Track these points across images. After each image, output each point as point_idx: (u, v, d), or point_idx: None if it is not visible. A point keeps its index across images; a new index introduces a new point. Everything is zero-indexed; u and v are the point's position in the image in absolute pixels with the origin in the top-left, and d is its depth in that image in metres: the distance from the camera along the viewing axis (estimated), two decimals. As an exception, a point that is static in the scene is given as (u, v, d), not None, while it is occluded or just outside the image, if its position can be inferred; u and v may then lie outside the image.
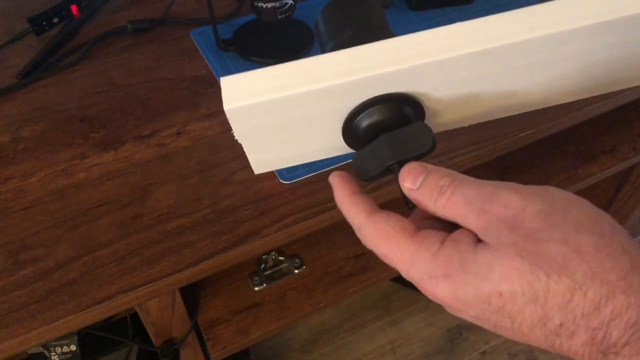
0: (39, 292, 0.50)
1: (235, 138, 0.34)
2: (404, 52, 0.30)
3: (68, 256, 0.53)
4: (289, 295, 0.76)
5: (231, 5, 0.85)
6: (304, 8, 0.81)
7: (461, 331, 1.33)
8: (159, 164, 0.61)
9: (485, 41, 0.29)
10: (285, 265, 0.79)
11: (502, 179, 0.29)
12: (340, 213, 0.32)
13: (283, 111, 0.31)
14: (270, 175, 0.60)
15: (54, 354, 0.73)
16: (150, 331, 0.66)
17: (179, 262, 0.53)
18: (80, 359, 0.75)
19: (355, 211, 0.31)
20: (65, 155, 0.62)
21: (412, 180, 0.30)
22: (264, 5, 0.68)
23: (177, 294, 0.63)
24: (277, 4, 0.68)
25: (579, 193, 0.29)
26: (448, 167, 0.30)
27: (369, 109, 0.32)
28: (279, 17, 0.70)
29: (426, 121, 0.35)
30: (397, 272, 0.29)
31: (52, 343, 0.73)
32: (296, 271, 0.78)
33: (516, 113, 0.37)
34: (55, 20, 0.80)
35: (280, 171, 0.60)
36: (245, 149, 0.35)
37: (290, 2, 0.69)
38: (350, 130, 0.34)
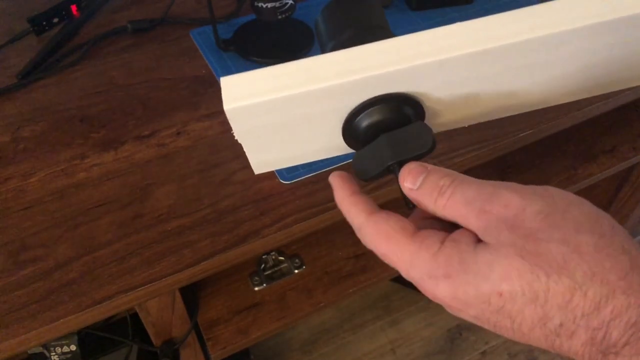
0: (39, 292, 0.50)
1: (235, 138, 0.34)
2: (404, 52, 0.30)
3: (68, 256, 0.53)
4: (289, 295, 0.76)
5: (231, 5, 0.85)
6: (304, 8, 0.81)
7: (461, 331, 1.33)
8: (159, 164, 0.61)
9: (485, 41, 0.29)
10: (285, 265, 0.79)
11: (502, 179, 0.29)
12: (340, 213, 0.32)
13: (283, 111, 0.31)
14: (270, 175, 0.60)
15: (54, 354, 0.73)
16: (150, 331, 0.66)
17: (179, 262, 0.53)
18: (80, 359, 0.75)
19: (355, 211, 0.30)
20: (65, 155, 0.62)
21: (412, 180, 0.30)
22: (264, 5, 0.68)
23: (177, 294, 0.63)
24: (277, 4, 0.68)
25: (579, 193, 0.29)
26: (448, 167, 0.30)
27: (369, 109, 0.32)
28: (279, 17, 0.70)
29: (426, 121, 0.35)
30: (397, 272, 0.29)
31: (52, 343, 0.73)
32: (296, 271, 0.78)
33: (516, 113, 0.37)
34: (55, 20, 0.80)
35: (280, 171, 0.60)
36: (245, 149, 0.35)
37: (290, 2, 0.69)
38: (350, 130, 0.34)
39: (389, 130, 0.32)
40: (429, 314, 1.36)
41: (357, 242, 0.31)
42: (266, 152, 0.37)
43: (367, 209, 0.30)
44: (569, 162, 0.94)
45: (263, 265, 0.78)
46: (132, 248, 0.54)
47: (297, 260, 0.79)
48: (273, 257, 0.78)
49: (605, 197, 1.17)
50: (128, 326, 0.75)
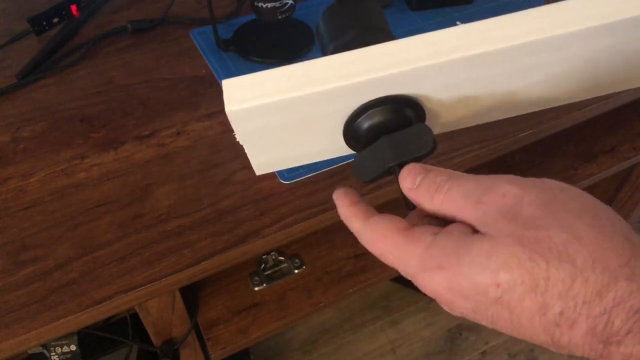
0: (39, 292, 0.50)
1: (237, 140, 0.34)
2: (405, 54, 0.30)
3: (68, 256, 0.53)
4: (289, 295, 0.76)
5: (231, 5, 0.85)
6: (304, 8, 0.81)
7: (461, 331, 1.33)
8: (159, 164, 0.61)
9: (486, 43, 0.29)
10: (285, 265, 0.79)
11: (502, 179, 0.29)
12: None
13: (285, 113, 0.31)
14: (270, 175, 0.60)
15: (54, 354, 0.73)
16: (150, 331, 0.66)
17: (179, 262, 0.53)
18: (80, 359, 0.75)
19: (354, 219, 0.31)
20: (65, 155, 0.62)
21: (411, 180, 0.30)
22: (264, 5, 0.68)
23: (177, 294, 0.63)
24: (277, 4, 0.68)
25: (579, 194, 0.29)
26: (448, 167, 0.30)
27: (370, 111, 0.32)
28: (279, 17, 0.70)
29: (427, 122, 0.35)
30: (397, 272, 0.29)
31: (52, 343, 0.73)
32: (296, 271, 0.78)
33: (517, 114, 0.37)
34: (55, 20, 0.80)
35: (280, 171, 0.60)
36: (246, 151, 0.36)
37: (290, 2, 0.69)
38: (351, 131, 0.34)
39: (389, 131, 0.32)
40: (429, 314, 1.36)
41: (357, 242, 0.31)
42: (267, 154, 0.37)
43: (364, 215, 0.31)
44: (569, 162, 0.95)
45: (263, 265, 0.78)
46: (132, 248, 0.54)
47: (297, 260, 0.79)
48: (273, 257, 0.78)
49: (605, 197, 1.17)
50: (128, 326, 0.75)
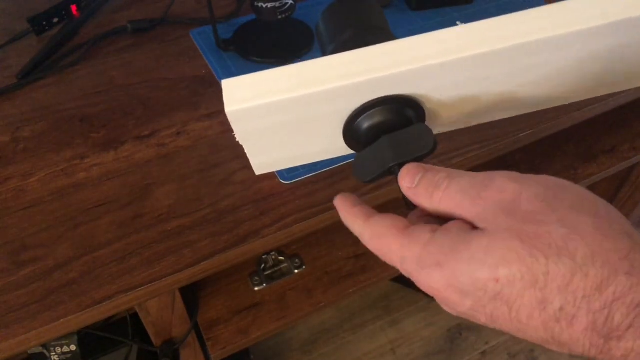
0: (39, 292, 0.50)
1: (237, 140, 0.34)
2: (405, 54, 0.30)
3: (68, 256, 0.53)
4: (289, 295, 0.76)
5: (231, 5, 0.85)
6: (304, 8, 0.81)
7: (461, 331, 1.33)
8: (159, 164, 0.61)
9: (486, 43, 0.29)
10: (285, 265, 0.79)
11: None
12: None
13: (285, 113, 0.31)
14: (270, 175, 0.60)
15: (54, 354, 0.73)
16: (150, 331, 0.66)
17: (179, 262, 0.53)
18: (80, 359, 0.75)
19: (355, 220, 0.31)
20: (65, 155, 0.62)
21: (410, 180, 0.30)
22: (264, 5, 0.68)
23: (177, 294, 0.63)
24: (277, 4, 0.68)
25: (579, 193, 0.29)
26: (448, 167, 0.30)
27: (370, 111, 0.32)
28: (279, 17, 0.70)
29: (427, 122, 0.35)
30: (397, 272, 0.29)
31: (52, 343, 0.73)
32: (296, 271, 0.78)
33: (517, 114, 0.37)
34: (55, 20, 0.80)
35: (280, 171, 0.60)
36: (246, 150, 0.36)
37: (290, 2, 0.69)
38: (351, 131, 0.34)
39: (390, 131, 0.32)
40: (429, 314, 1.36)
41: (357, 242, 0.31)
42: (267, 154, 0.37)
43: (364, 216, 0.31)
44: (569, 162, 0.95)
45: (263, 265, 0.78)
46: (132, 248, 0.54)
47: (297, 260, 0.79)
48: (273, 257, 0.78)
49: (606, 197, 1.16)
50: (128, 326, 0.75)
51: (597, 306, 0.23)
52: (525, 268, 0.24)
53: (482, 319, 0.26)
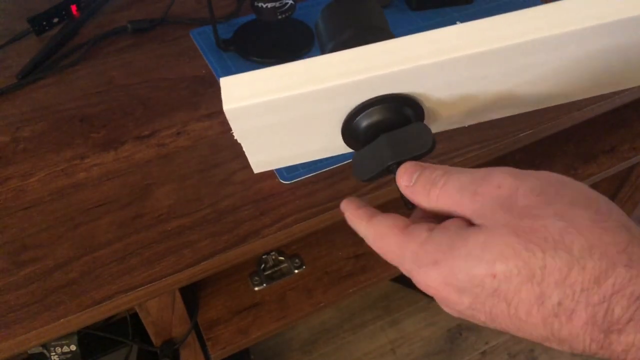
0: (39, 292, 0.50)
1: (235, 138, 0.34)
2: (404, 53, 0.30)
3: (68, 256, 0.53)
4: (289, 295, 0.76)
5: (231, 5, 0.85)
6: (304, 8, 0.81)
7: (461, 331, 1.33)
8: (159, 164, 0.61)
9: (485, 42, 0.29)
10: (285, 265, 0.79)
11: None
12: (340, 213, 0.33)
13: (283, 112, 0.31)
14: (270, 175, 0.60)
15: (54, 354, 0.74)
16: (150, 331, 0.66)
17: (179, 262, 0.53)
18: (80, 359, 0.75)
19: (360, 222, 0.31)
20: (65, 155, 0.62)
21: (407, 178, 0.30)
22: (264, 5, 0.68)
23: (177, 294, 0.63)
24: (277, 4, 0.68)
25: (578, 193, 0.29)
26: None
27: (369, 109, 0.32)
28: (279, 17, 0.70)
29: (425, 121, 0.35)
30: (397, 272, 0.29)
31: (52, 343, 0.73)
32: (296, 271, 0.78)
33: (516, 113, 0.37)
34: (55, 20, 0.80)
35: (280, 171, 0.60)
36: (244, 149, 0.36)
37: (290, 2, 0.69)
38: (350, 130, 0.34)
39: (388, 130, 0.32)
40: (429, 314, 1.36)
41: (357, 242, 0.31)
42: (266, 152, 0.37)
43: (367, 216, 0.31)
44: (569, 162, 0.95)
45: (263, 265, 0.78)
46: (132, 248, 0.54)
47: (297, 260, 0.79)
48: (273, 257, 0.78)
49: (605, 197, 1.16)
50: (128, 326, 0.75)
51: (595, 299, 0.23)
52: (522, 262, 0.24)
53: (481, 317, 0.26)
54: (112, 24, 0.81)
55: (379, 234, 0.30)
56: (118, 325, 0.77)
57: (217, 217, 0.56)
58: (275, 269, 0.78)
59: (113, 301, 0.50)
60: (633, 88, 0.67)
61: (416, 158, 0.31)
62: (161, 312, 0.64)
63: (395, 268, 0.29)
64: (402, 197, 0.31)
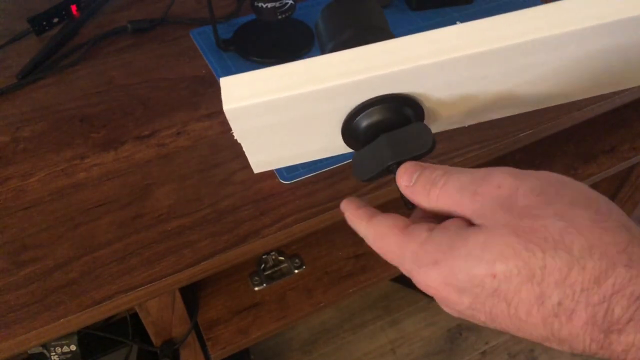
0: (39, 292, 0.50)
1: (235, 138, 0.34)
2: (404, 53, 0.30)
3: (68, 256, 0.53)
4: (289, 295, 0.76)
5: (231, 5, 0.85)
6: (304, 8, 0.81)
7: (461, 331, 1.33)
8: (159, 164, 0.61)
9: (485, 42, 0.29)
10: (285, 265, 0.79)
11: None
12: (340, 213, 0.33)
13: (283, 112, 0.31)
14: (270, 175, 0.60)
15: (54, 354, 0.74)
16: (150, 331, 0.66)
17: (179, 262, 0.53)
18: (80, 359, 0.75)
19: (360, 222, 0.31)
20: (65, 155, 0.62)
21: (407, 178, 0.30)
22: (264, 5, 0.68)
23: (177, 294, 0.63)
24: (277, 4, 0.68)
25: (578, 193, 0.29)
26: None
27: (369, 109, 0.32)
28: (279, 17, 0.70)
29: (426, 121, 0.35)
30: (397, 272, 0.29)
31: (52, 343, 0.73)
32: (296, 271, 0.78)
33: (516, 113, 0.37)
34: (55, 20, 0.80)
35: (280, 171, 0.60)
36: (244, 149, 0.36)
37: (290, 2, 0.69)
38: (349, 130, 0.34)
39: (388, 130, 0.32)
40: (429, 314, 1.36)
41: (357, 242, 0.31)
42: (265, 152, 0.37)
43: (367, 216, 0.31)
44: (569, 162, 0.95)
45: (263, 265, 0.78)
46: (132, 248, 0.54)
47: (297, 260, 0.79)
48: (273, 257, 0.78)
49: (605, 197, 1.16)
50: (128, 326, 0.75)
51: (595, 299, 0.23)
52: (522, 262, 0.24)
53: (481, 317, 0.26)
54: (112, 24, 0.81)
55: (379, 234, 0.30)
56: (118, 325, 0.77)
57: (217, 217, 0.56)
58: (275, 269, 0.78)
59: (113, 301, 0.50)
60: (633, 88, 0.67)
61: (416, 158, 0.31)
62: (161, 312, 0.64)
63: (395, 268, 0.29)
64: (402, 197, 0.31)
